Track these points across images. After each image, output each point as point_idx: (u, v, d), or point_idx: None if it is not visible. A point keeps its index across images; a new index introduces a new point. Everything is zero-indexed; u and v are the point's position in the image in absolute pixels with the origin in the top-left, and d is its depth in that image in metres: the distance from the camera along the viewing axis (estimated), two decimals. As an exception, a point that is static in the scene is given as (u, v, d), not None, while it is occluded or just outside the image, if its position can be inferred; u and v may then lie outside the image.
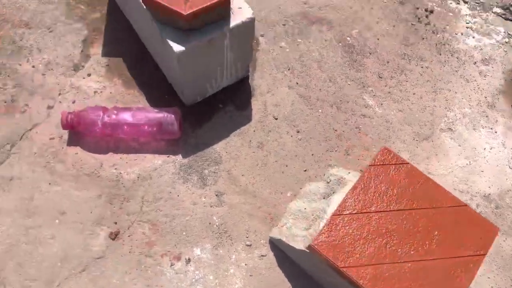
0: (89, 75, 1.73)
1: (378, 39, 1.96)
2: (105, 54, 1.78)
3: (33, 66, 1.72)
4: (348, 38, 1.95)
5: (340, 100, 1.79)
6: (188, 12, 1.30)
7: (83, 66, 1.74)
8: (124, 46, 1.79)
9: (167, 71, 1.64)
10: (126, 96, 1.71)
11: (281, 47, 1.89)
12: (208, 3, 1.32)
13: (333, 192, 1.41)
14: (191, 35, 1.39)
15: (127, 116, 1.55)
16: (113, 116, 1.53)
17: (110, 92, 1.71)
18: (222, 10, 1.39)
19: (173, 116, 1.55)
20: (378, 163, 1.21)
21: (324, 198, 1.44)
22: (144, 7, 1.40)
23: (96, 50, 1.78)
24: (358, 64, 1.88)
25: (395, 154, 1.23)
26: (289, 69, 1.84)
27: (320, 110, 1.76)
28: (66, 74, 1.72)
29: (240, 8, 1.45)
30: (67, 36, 1.79)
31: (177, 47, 1.36)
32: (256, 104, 1.75)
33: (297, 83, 1.81)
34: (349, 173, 1.49)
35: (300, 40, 1.92)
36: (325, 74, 1.84)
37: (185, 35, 1.38)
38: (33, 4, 1.83)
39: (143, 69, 1.76)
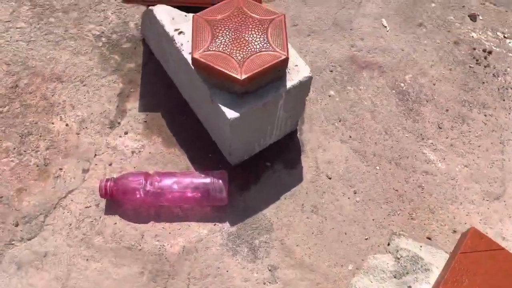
0: (126, 133, 1.60)
1: (434, 85, 1.80)
2: (142, 109, 1.65)
3: (67, 125, 1.60)
4: (402, 84, 1.80)
5: (399, 155, 1.63)
6: (244, 77, 1.17)
7: (119, 123, 1.61)
8: (162, 100, 1.67)
9: (213, 131, 1.51)
10: (166, 155, 1.57)
11: (330, 96, 1.75)
12: (266, 66, 1.19)
13: (407, 273, 1.25)
14: (244, 99, 1.26)
15: (171, 183, 1.41)
16: (156, 184, 1.40)
17: (149, 152, 1.57)
18: (279, 71, 1.26)
19: (221, 182, 1.41)
20: (469, 251, 1.05)
21: (395, 278, 1.28)
22: (192, 68, 1.26)
23: (133, 104, 1.65)
24: (415, 113, 1.72)
25: (487, 239, 1.06)
26: (340, 121, 1.69)
27: (377, 167, 1.60)
28: (101, 132, 1.59)
29: (297, 65, 1.31)
30: (102, 90, 1.68)
31: (230, 113, 1.22)
32: (306, 162, 1.60)
33: (350, 137, 1.65)
34: (421, 247, 1.33)
35: (350, 88, 1.77)
36: (380, 126, 1.69)
37: (238, 99, 1.25)
38: (65, 55, 1.72)
39: (184, 125, 1.63)
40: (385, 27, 1.95)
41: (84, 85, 1.70)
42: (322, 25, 1.94)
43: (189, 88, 1.51)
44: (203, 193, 1.42)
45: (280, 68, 1.26)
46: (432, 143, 1.68)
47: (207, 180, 1.44)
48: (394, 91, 1.79)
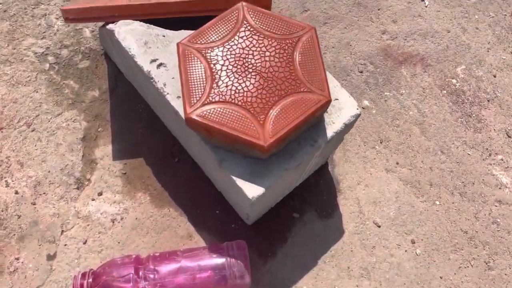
0: (100, 193, 1.20)
1: (495, 76, 1.41)
2: (118, 155, 1.24)
3: (17, 192, 1.19)
4: (454, 81, 1.40)
5: (462, 182, 1.27)
6: (270, 142, 0.76)
7: (89, 180, 1.21)
8: (143, 139, 1.26)
9: (220, 187, 1.12)
10: (159, 219, 1.19)
11: (364, 107, 1.35)
12: (300, 119, 0.78)
13: None
14: (267, 164, 0.85)
15: (173, 274, 1.04)
16: (151, 276, 1.03)
17: (136, 218, 1.19)
18: (316, 118, 0.85)
19: (240, 263, 1.05)
20: None
21: None
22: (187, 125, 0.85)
23: (104, 150, 1.24)
24: (475, 119, 1.35)
25: None
26: (381, 142, 1.31)
27: (437, 202, 1.25)
28: (66, 197, 1.19)
29: (337, 99, 0.91)
30: (58, 134, 1.25)
31: (251, 191, 0.84)
32: (346, 205, 1.23)
33: (397, 163, 1.28)
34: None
35: (388, 93, 1.37)
36: (433, 143, 1.32)
37: (260, 165, 0.85)
38: (1, 88, 1.27)
39: (177, 171, 1.23)
40: (423, 1, 1.51)
41: (32, 130, 1.26)
42: (340, 7, 1.49)
43: (182, 133, 1.09)
44: (218, 281, 1.05)
45: (318, 115, 0.84)
46: (502, 159, 1.32)
47: (221, 259, 1.07)
48: (445, 92, 1.39)
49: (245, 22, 0.88)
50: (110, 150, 1.27)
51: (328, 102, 0.84)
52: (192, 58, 0.84)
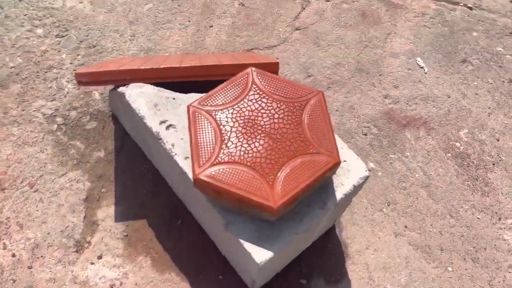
0: (100, 257, 1.16)
1: (498, 140, 1.43)
2: (120, 217, 1.22)
3: (14, 255, 1.15)
4: (458, 144, 1.41)
5: (474, 247, 1.24)
6: (280, 204, 0.75)
7: (89, 243, 1.17)
8: (147, 200, 1.25)
9: (225, 250, 1.08)
10: (160, 285, 1.15)
11: (369, 170, 1.35)
12: (311, 180, 0.77)
13: None
14: (276, 227, 0.83)
15: None
16: None
17: (136, 283, 1.14)
18: (324, 179, 0.85)
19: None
20: None
21: None
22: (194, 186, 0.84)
23: (106, 211, 1.22)
24: (482, 182, 1.34)
25: None
26: (389, 204, 1.29)
27: (449, 268, 1.21)
28: (64, 260, 1.15)
29: (345, 161, 0.90)
30: (61, 195, 1.23)
31: (259, 256, 0.81)
32: (354, 271, 1.19)
33: (406, 227, 1.25)
34: None
35: (393, 156, 1.37)
36: (441, 206, 1.30)
37: (268, 229, 0.83)
38: (6, 149, 1.27)
39: (180, 234, 1.20)
40: (422, 67, 1.58)
41: (35, 191, 1.25)
42: (343, 72, 1.54)
43: (187, 194, 1.08)
44: None
45: (327, 177, 0.84)
46: (512, 224, 1.29)
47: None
48: (449, 155, 1.40)
49: (254, 86, 0.91)
50: (113, 212, 1.26)
51: (337, 164, 0.84)
52: (202, 119, 0.86)
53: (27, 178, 1.29)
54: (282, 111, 0.88)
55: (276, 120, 0.87)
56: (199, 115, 0.86)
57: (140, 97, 0.99)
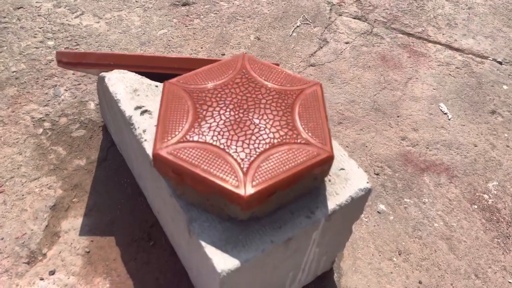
0: (52, 273, 0.99)
1: (534, 197, 1.22)
2: (86, 231, 1.06)
3: (-44, 258, 0.99)
4: (486, 196, 1.22)
5: (506, 318, 0.99)
6: (250, 193, 0.60)
7: (44, 255, 1.01)
8: (120, 216, 1.10)
9: (194, 275, 0.89)
10: (114, 315, 0.94)
11: (379, 212, 1.16)
12: (293, 171, 0.63)
13: None
14: (249, 231, 0.66)
15: None
16: None
17: (86, 309, 0.95)
18: (315, 179, 0.69)
19: None
20: None
21: None
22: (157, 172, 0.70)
23: (72, 223, 1.07)
24: (516, 242, 1.12)
25: None
26: (400, 254, 1.08)
27: None
28: (11, 271, 0.98)
29: (343, 169, 0.75)
30: (27, 199, 1.10)
31: (221, 263, 0.63)
32: (353, 329, 0.96)
33: (420, 282, 1.04)
34: None
35: (408, 200, 1.19)
36: (464, 263, 1.08)
37: (238, 231, 0.66)
38: (-16, 146, 1.18)
39: (149, 258, 1.02)
40: (445, 113, 1.44)
41: (0, 192, 1.12)
42: (357, 110, 1.43)
43: (158, 201, 0.93)
44: None
45: (317, 175, 0.68)
46: (555, 295, 1.05)
47: None
48: (475, 207, 1.20)
49: (244, 70, 0.80)
50: (79, 224, 1.11)
51: (330, 158, 0.69)
52: (177, 96, 0.74)
53: (-3, 177, 1.17)
54: (271, 97, 0.76)
55: (262, 106, 0.75)
56: (174, 91, 0.75)
57: (120, 81, 0.90)
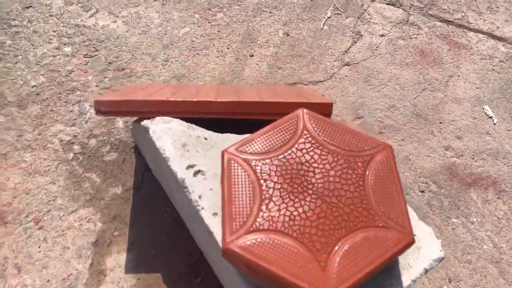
0: (103, 315, 0.98)
1: None
2: (131, 268, 1.05)
3: (5, 303, 0.98)
4: (535, 212, 1.19)
5: None
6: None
7: (92, 297, 1.00)
8: (165, 250, 1.08)
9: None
10: None
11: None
12: (376, 263, 0.58)
13: None
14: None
15: None
16: None
17: None
18: (392, 261, 0.65)
19: None
20: None
21: None
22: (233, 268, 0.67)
23: (116, 259, 1.06)
24: None
25: None
26: (450, 281, 1.08)
27: None
28: (62, 316, 0.98)
29: (415, 235, 0.70)
30: (68, 235, 1.08)
31: None
32: None
33: (471, 311, 1.03)
34: None
35: (455, 220, 1.16)
36: (515, 288, 1.07)
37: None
38: (15, 177, 1.14)
39: (199, 299, 1.02)
40: (490, 117, 1.37)
41: (40, 228, 1.10)
42: (398, 116, 1.36)
43: (212, 251, 0.90)
44: None
45: (396, 258, 0.65)
46: None
47: None
48: (525, 224, 1.18)
49: (306, 132, 0.74)
50: (124, 260, 1.09)
51: (411, 243, 0.65)
52: (239, 170, 0.69)
53: (33, 212, 1.15)
54: (340, 166, 0.71)
55: (331, 178, 0.70)
56: (236, 164, 0.70)
57: (166, 134, 0.84)
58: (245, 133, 0.91)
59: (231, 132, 0.93)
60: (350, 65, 1.50)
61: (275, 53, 1.51)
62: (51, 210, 1.16)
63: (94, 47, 1.47)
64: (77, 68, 1.41)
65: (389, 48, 1.55)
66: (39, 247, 1.10)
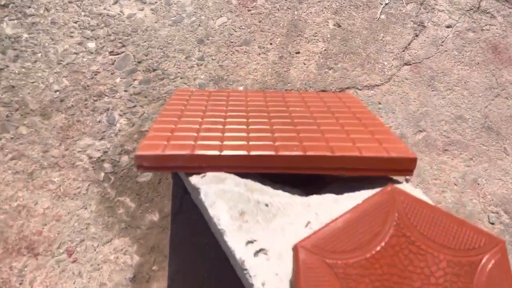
0: None
1: None
2: (173, 309, 0.97)
3: None
4: None
5: None
6: None
7: None
8: (206, 285, 1.00)
9: None
10: None
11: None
12: None
13: None
14: None
15: None
16: None
17: None
18: None
19: None
20: None
21: None
22: None
23: (157, 298, 0.97)
24: None
25: None
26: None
27: None
28: None
29: None
30: (103, 270, 1.00)
31: None
32: None
33: None
34: None
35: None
36: None
37: None
38: (44, 200, 1.04)
39: None
40: None
41: (74, 261, 1.02)
42: (465, 130, 1.19)
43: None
44: None
45: None
46: None
47: None
48: None
49: (398, 224, 0.60)
50: (165, 299, 1.01)
51: None
52: (317, 273, 0.56)
53: (65, 242, 1.06)
54: (442, 271, 0.58)
55: (432, 287, 0.57)
56: (315, 270, 0.57)
57: (221, 199, 0.71)
58: (310, 186, 0.77)
59: (286, 181, 0.79)
60: (411, 64, 1.31)
61: (325, 49, 1.32)
62: (85, 240, 1.07)
63: (120, 42, 1.30)
64: (103, 69, 1.25)
65: (456, 43, 1.34)
66: (74, 283, 1.02)
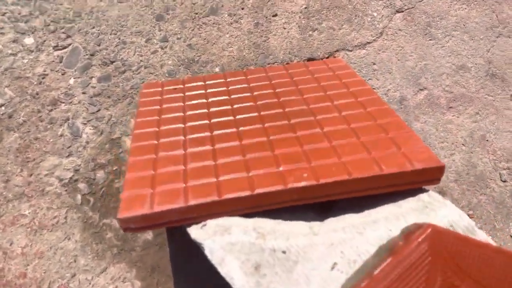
0: None
1: None
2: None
3: None
4: None
5: None
6: None
7: None
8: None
9: None
10: None
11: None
12: None
13: None
14: None
15: None
16: None
17: None
18: None
19: None
20: None
21: None
22: None
23: (169, 323, 0.92)
24: None
25: None
26: (540, 287, 0.95)
27: None
28: None
29: None
30: (105, 302, 0.92)
31: None
32: None
33: None
34: None
35: (544, 212, 1.01)
36: None
37: None
38: (20, 238, 0.93)
39: None
40: None
41: (69, 301, 0.93)
42: (469, 80, 1.12)
43: None
44: None
45: None
46: None
47: None
48: None
49: (440, 274, 0.51)
50: (177, 322, 0.94)
51: None
52: None
53: (55, 280, 0.95)
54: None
55: None
56: None
57: (230, 253, 0.61)
58: (329, 212, 0.67)
59: (309, 212, 0.68)
60: (403, 11, 1.15)
61: (305, 7, 1.13)
62: (76, 274, 0.96)
63: (63, 33, 1.08)
64: (51, 69, 1.05)
65: (450, -23, 1.18)
66: (75, 323, 0.94)
